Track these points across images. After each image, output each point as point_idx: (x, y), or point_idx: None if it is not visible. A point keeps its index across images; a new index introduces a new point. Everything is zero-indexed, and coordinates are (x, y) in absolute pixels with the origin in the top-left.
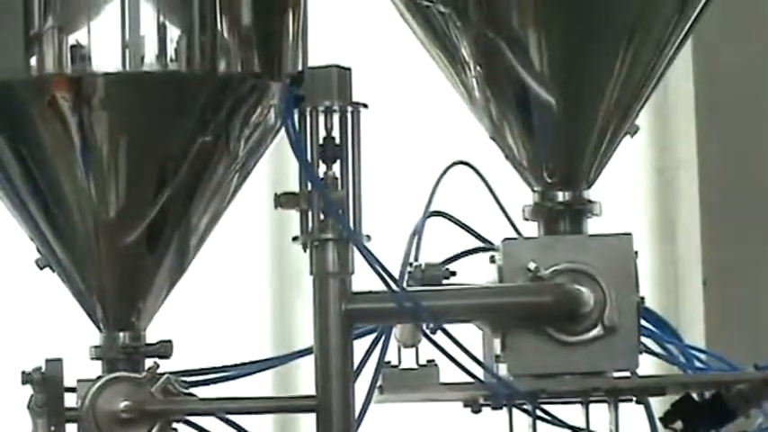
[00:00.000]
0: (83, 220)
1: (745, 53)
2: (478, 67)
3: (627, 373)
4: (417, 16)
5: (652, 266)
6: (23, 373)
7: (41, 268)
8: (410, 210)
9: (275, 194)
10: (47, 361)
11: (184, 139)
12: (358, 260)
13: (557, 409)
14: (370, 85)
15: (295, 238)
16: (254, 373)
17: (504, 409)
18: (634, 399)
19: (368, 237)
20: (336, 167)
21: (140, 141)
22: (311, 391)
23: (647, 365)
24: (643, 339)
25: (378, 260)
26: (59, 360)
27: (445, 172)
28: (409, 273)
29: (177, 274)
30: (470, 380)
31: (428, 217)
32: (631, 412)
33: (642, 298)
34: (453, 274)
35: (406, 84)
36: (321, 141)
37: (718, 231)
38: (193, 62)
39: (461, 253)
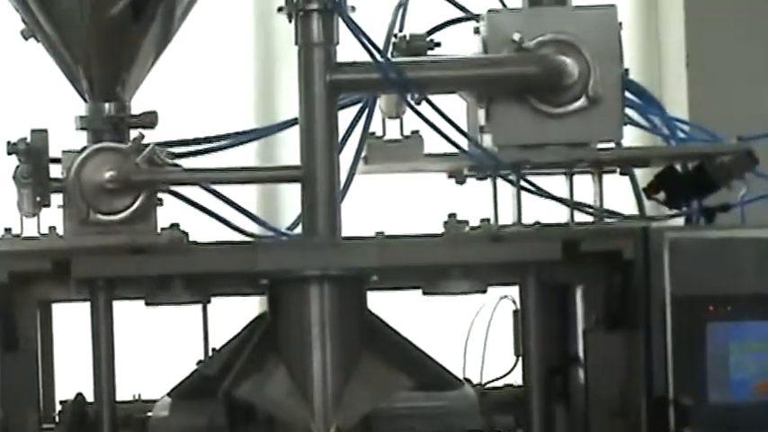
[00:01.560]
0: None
1: None
2: None
3: (611, 145)
4: None
5: (636, 40)
6: (8, 143)
7: (26, 38)
8: None
9: (279, 8)
10: (32, 131)
11: None
12: (343, 32)
13: (541, 181)
14: None
15: (280, 9)
16: (240, 144)
17: (489, 179)
18: (618, 170)
19: (352, 8)
20: None
21: None
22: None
23: (631, 137)
24: (627, 111)
25: (362, 30)
26: (44, 131)
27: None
28: (394, 43)
29: (162, 43)
30: (455, 150)
31: None
32: (615, 184)
33: (626, 70)
34: (438, 44)
35: None
36: None
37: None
38: None
39: (446, 22)
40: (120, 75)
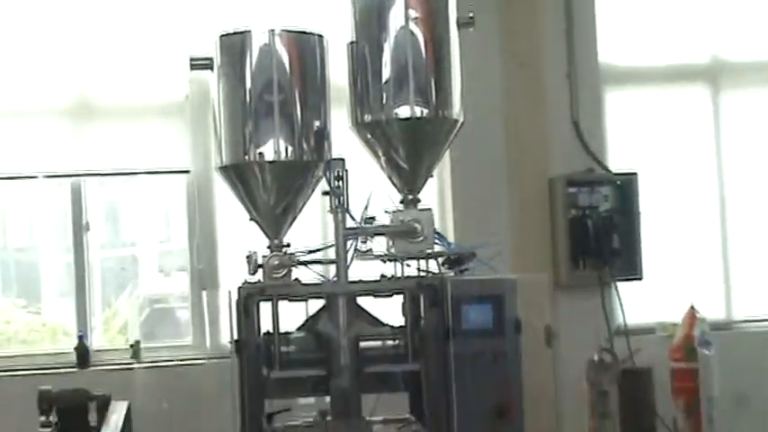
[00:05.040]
0: (261, 209)
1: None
2: (383, 157)
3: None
4: (365, 142)
5: (437, 212)
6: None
7: (249, 220)
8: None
9: (322, 191)
10: (243, 284)
11: (294, 182)
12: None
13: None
14: (350, 157)
15: (326, 193)
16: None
17: (393, 262)
18: (434, 259)
19: (348, 209)
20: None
21: (281, 181)
22: None
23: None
24: (438, 240)
25: (350, 214)
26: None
27: (369, 197)
28: (364, 219)
29: (295, 213)
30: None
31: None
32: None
33: (435, 229)
34: (374, 219)
35: (366, 164)
36: (336, 180)
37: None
38: (297, 155)
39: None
40: (280, 232)
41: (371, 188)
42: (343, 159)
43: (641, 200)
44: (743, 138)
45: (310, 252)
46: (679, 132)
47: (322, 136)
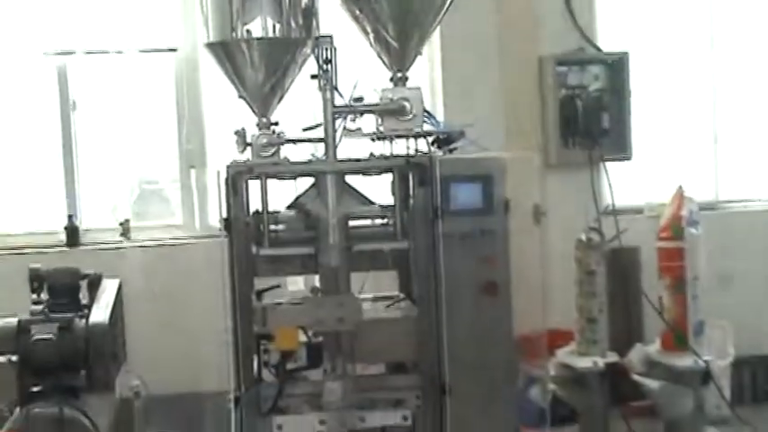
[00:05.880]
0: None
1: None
2: (372, 33)
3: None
4: (354, 19)
5: (426, 93)
6: (237, 132)
7: (238, 98)
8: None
9: (311, 75)
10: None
11: (282, 60)
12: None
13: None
14: (339, 38)
15: (314, 76)
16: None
17: (384, 141)
18: (423, 137)
19: (336, 88)
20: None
21: (269, 59)
22: None
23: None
24: (427, 118)
25: (340, 93)
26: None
27: (358, 80)
28: (354, 99)
29: (282, 94)
30: (372, 131)
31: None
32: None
33: (425, 108)
34: (362, 99)
35: (356, 40)
36: (324, 57)
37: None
38: (284, 32)
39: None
40: (268, 110)
41: (360, 69)
42: (331, 36)
43: (632, 80)
44: (736, 18)
45: (303, 130)
46: (671, 12)
47: (310, 13)
